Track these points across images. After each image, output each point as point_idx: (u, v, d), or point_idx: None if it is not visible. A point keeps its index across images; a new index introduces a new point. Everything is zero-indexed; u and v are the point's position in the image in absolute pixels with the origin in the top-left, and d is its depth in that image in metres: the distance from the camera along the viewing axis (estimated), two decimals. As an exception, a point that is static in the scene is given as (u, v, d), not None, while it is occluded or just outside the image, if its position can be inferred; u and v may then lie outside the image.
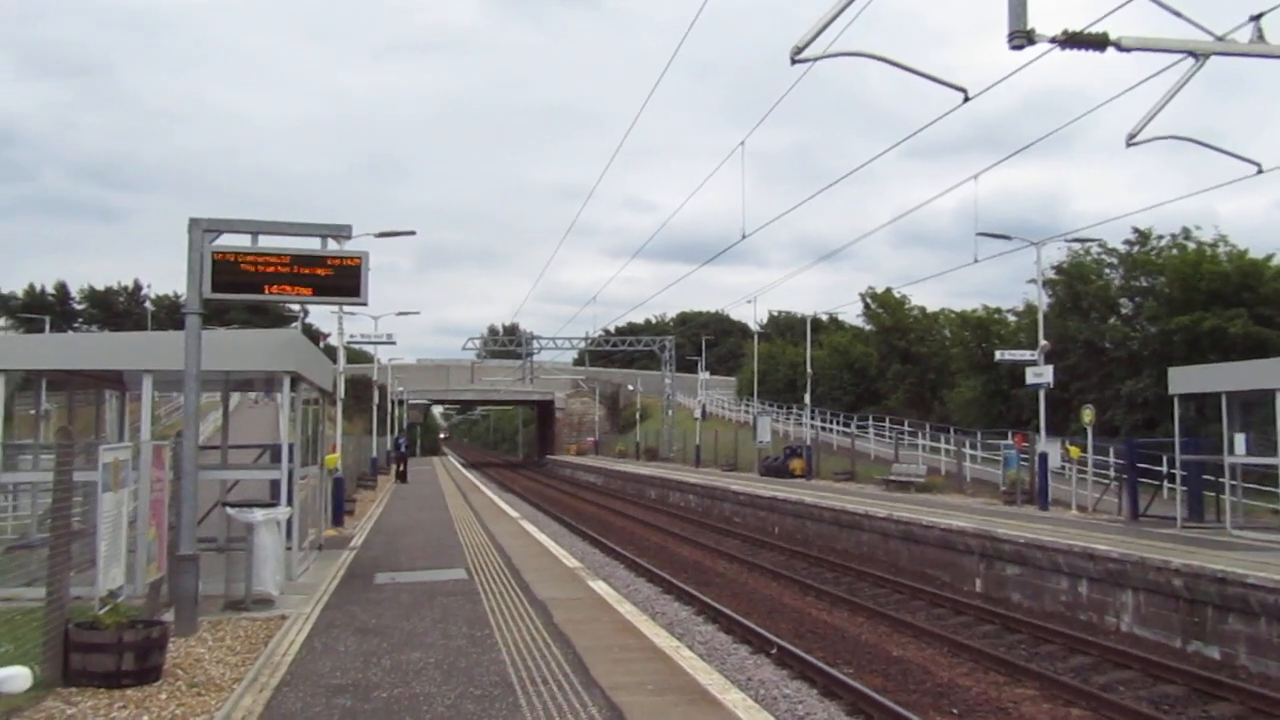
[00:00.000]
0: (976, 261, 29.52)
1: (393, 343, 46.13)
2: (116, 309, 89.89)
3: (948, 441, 38.98)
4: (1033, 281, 33.77)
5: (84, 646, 7.86)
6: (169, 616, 9.71)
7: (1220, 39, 11.26)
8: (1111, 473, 27.44)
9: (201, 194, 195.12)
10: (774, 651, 13.14)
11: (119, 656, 7.83)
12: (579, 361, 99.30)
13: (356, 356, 61.73)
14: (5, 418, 12.72)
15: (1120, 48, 10.56)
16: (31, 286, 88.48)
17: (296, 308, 46.10)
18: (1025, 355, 30.09)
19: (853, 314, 75.45)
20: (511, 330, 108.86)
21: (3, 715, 6.48)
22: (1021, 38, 10.19)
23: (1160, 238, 40.21)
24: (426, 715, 7.11)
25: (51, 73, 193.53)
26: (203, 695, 7.71)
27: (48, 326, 63.55)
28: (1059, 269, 41.86)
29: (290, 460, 13.17)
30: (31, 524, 13.55)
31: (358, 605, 11.84)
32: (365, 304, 11.75)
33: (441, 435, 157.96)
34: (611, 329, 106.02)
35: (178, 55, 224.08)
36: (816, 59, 11.06)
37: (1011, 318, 48.40)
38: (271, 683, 8.06)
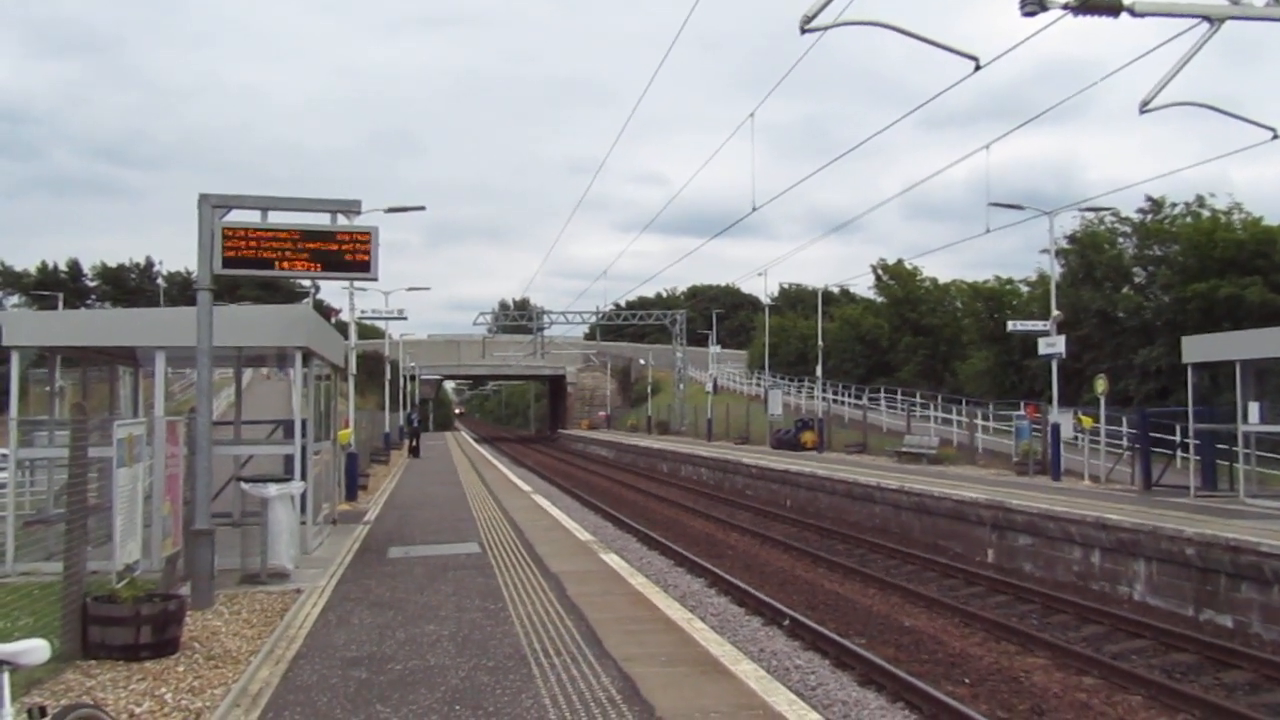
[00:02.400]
0: (988, 232, 29.30)
1: (404, 318, 46.35)
2: (129, 286, 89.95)
3: (960, 413, 38.91)
4: (1045, 251, 33.60)
5: (102, 620, 7.94)
6: (185, 590, 9.79)
7: (1236, 3, 11.11)
8: (1125, 443, 27.38)
9: (215, 171, 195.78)
10: (786, 623, 13.19)
11: (136, 630, 7.91)
12: (590, 336, 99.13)
13: (368, 332, 61.87)
14: (20, 394, 12.81)
15: (1134, 13, 10.42)
16: (44, 264, 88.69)
17: (308, 284, 46.11)
18: (1038, 326, 29.93)
19: (864, 286, 75.30)
20: (522, 305, 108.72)
21: (23, 687, 6.56)
22: (1034, 4, 10.08)
23: (1174, 205, 39.93)
24: (441, 687, 7.17)
25: (62, 50, 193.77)
26: (220, 667, 7.79)
27: (60, 304, 63.71)
28: (1072, 238, 41.60)
29: (303, 435, 13.24)
30: (48, 499, 13.66)
31: (372, 579, 11.92)
32: (375, 279, 11.75)
33: (457, 411, 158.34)
34: (622, 303, 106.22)
35: (190, 31, 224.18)
36: (826, 28, 10.96)
37: (1024, 288, 48.20)
38: (287, 655, 8.14)
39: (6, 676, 3.92)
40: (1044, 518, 17.26)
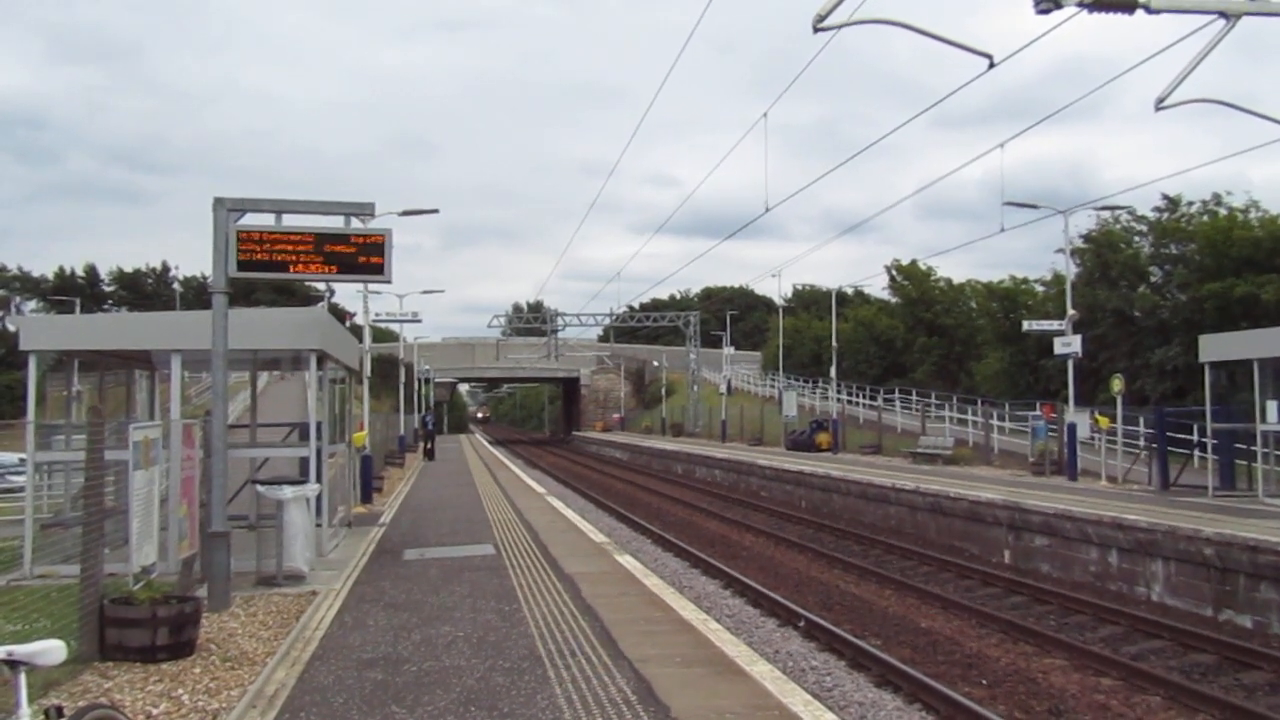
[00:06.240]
0: (1003, 231, 29.09)
1: (418, 320, 46.24)
2: (145, 290, 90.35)
3: (975, 413, 38.74)
4: (1061, 251, 33.41)
5: (119, 622, 7.98)
6: (202, 592, 9.83)
7: (1252, -1, 11.02)
8: (1141, 442, 27.22)
9: (231, 176, 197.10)
10: (802, 624, 13.15)
11: (153, 631, 7.94)
12: (604, 338, 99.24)
13: (383, 335, 62.03)
14: (38, 399, 12.88)
15: (1149, 9, 10.36)
16: (61, 269, 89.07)
17: (323, 287, 46.27)
18: (1053, 325, 29.81)
19: (878, 287, 75.10)
20: (536, 307, 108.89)
21: (40, 688, 6.59)
22: (1048, 1, 10.03)
23: (1191, 204, 39.70)
24: (456, 688, 7.17)
25: (81, 56, 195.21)
26: (236, 669, 7.81)
27: (78, 308, 64.10)
28: (1088, 238, 41.40)
29: (319, 438, 13.27)
30: (65, 503, 13.74)
31: (387, 581, 11.94)
32: (389, 282, 11.78)
33: (479, 415, 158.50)
34: (636, 305, 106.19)
35: (208, 37, 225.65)
36: (839, 27, 10.93)
37: (1039, 288, 47.98)
38: (303, 657, 8.16)
39: (24, 677, 3.93)
40: (1060, 518, 17.17)
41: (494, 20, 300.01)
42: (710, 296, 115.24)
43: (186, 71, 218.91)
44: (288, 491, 11.81)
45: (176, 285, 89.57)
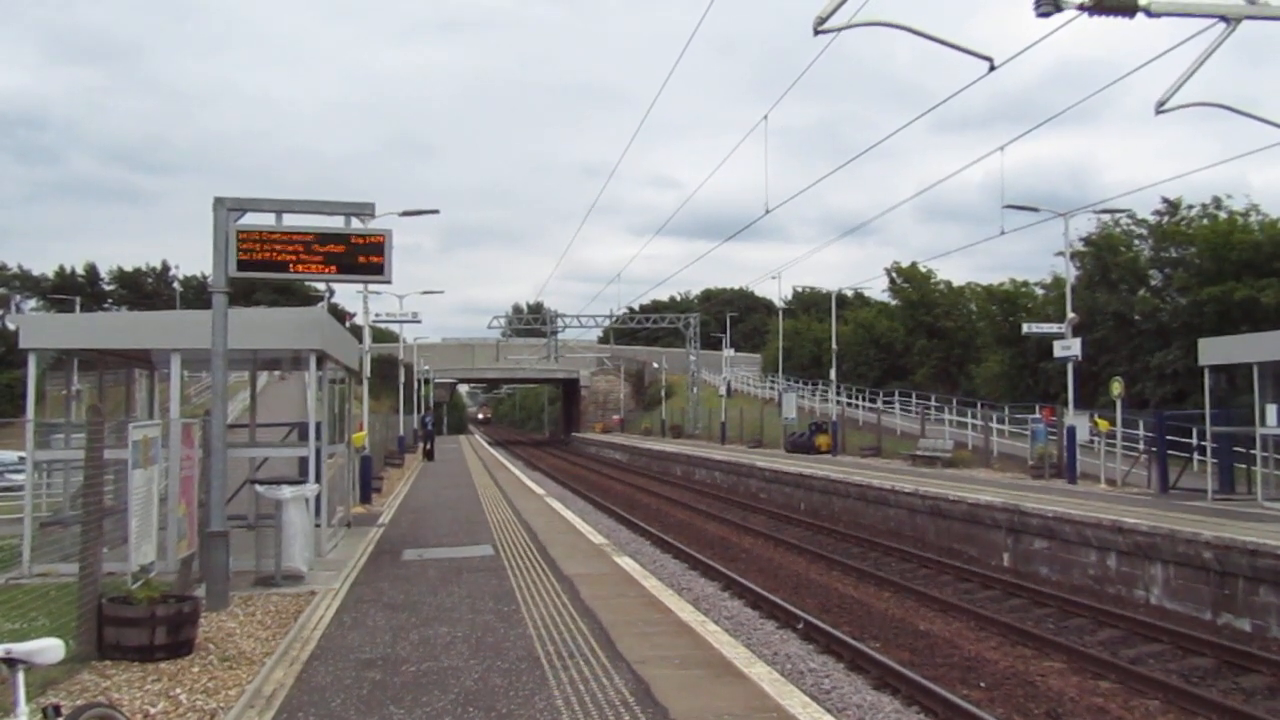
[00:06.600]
0: (1003, 234, 29.01)
1: (418, 321, 46.33)
2: (145, 290, 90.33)
3: (975, 416, 38.72)
4: (1061, 254, 33.39)
5: (117, 621, 7.98)
6: (200, 592, 9.82)
7: (1253, 2, 11.03)
8: (1141, 446, 27.21)
9: (231, 176, 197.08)
10: (800, 626, 13.14)
11: (152, 631, 7.94)
12: (603, 339, 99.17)
13: (382, 336, 62.05)
14: (37, 397, 12.87)
15: (1150, 13, 10.35)
16: (61, 268, 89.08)
17: (323, 287, 46.26)
18: (1053, 328, 29.81)
19: (878, 289, 75.18)
20: (536, 309, 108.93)
21: (39, 687, 6.58)
22: (1049, 4, 10.02)
23: (1191, 207, 39.74)
24: (454, 688, 7.16)
25: (81, 57, 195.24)
26: (234, 668, 7.81)
27: (78, 307, 64.09)
28: (1087, 241, 41.41)
29: (318, 438, 13.27)
30: (64, 501, 13.73)
31: (386, 581, 11.94)
32: (389, 282, 11.78)
33: (479, 416, 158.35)
34: (636, 307, 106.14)
35: (207, 38, 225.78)
36: (840, 29, 10.92)
37: (1039, 291, 48.02)
38: (302, 656, 8.15)
39: (22, 675, 3.93)
40: (1060, 521, 17.17)
41: (494, 21, 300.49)
42: (710, 298, 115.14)
43: (186, 72, 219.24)
44: (287, 491, 11.81)
45: (176, 285, 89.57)
